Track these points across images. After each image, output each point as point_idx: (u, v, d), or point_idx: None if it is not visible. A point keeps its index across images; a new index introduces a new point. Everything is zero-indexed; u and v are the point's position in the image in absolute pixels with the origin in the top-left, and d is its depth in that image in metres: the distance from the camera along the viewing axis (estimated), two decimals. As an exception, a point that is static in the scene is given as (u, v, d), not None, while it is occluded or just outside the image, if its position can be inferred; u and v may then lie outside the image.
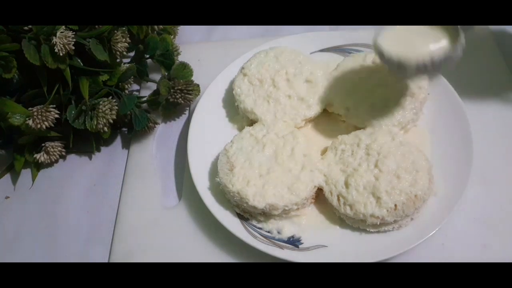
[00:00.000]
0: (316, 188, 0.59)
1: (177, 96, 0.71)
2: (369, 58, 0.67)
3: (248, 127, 0.65)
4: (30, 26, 0.62)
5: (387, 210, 0.53)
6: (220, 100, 0.72)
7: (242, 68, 0.70)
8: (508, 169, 0.63)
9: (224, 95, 0.72)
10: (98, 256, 0.63)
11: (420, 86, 0.63)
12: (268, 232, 0.58)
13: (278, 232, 0.58)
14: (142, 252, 0.62)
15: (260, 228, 0.58)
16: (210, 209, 0.59)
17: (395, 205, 0.53)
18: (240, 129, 0.66)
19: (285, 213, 0.58)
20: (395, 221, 0.55)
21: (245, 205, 0.57)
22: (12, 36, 0.61)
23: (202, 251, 0.60)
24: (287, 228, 0.58)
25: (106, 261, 0.62)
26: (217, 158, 0.62)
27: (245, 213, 0.59)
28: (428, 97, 0.64)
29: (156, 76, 0.78)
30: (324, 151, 0.63)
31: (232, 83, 0.71)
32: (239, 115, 0.69)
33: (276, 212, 0.56)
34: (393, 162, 0.56)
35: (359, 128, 0.63)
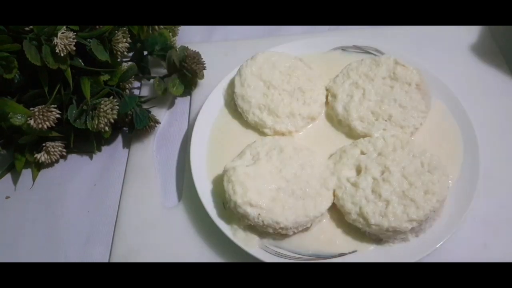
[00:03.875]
0: (331, 204, 0.57)
1: (191, 63, 0.72)
2: (382, 64, 0.67)
3: (250, 146, 0.62)
4: (31, 27, 0.62)
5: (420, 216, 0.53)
6: (224, 102, 0.72)
7: (240, 70, 0.70)
8: (508, 169, 0.63)
9: (227, 97, 0.72)
10: (98, 256, 0.63)
11: (425, 90, 0.64)
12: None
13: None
14: (142, 252, 0.62)
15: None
16: (216, 222, 0.57)
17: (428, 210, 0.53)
18: (245, 132, 0.66)
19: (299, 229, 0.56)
20: (413, 229, 0.54)
21: (271, 229, 0.54)
22: (13, 37, 0.61)
23: (202, 251, 0.60)
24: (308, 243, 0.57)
25: (106, 261, 0.62)
26: (221, 162, 0.61)
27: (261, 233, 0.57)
28: (432, 101, 0.64)
29: (156, 72, 0.78)
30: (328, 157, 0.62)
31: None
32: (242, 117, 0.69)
33: (294, 230, 0.55)
34: (412, 168, 0.56)
35: (353, 130, 0.63)
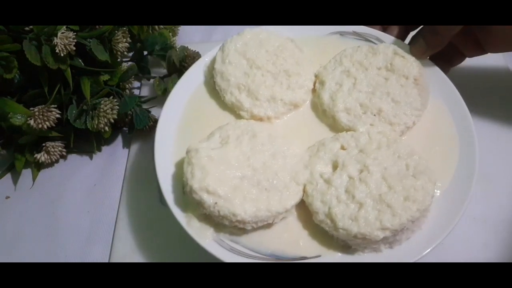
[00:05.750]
0: (299, 200, 0.52)
1: (191, 63, 0.70)
2: (379, 53, 0.61)
3: (220, 130, 0.56)
4: (31, 27, 0.62)
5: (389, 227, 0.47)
6: (204, 79, 0.65)
7: (223, 45, 0.63)
8: (508, 169, 0.63)
9: (208, 74, 0.65)
10: (98, 256, 0.63)
11: (423, 86, 0.58)
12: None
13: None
14: (142, 252, 0.62)
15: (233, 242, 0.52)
16: (176, 217, 0.52)
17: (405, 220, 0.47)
18: (221, 113, 0.61)
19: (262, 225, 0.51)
20: (386, 239, 0.49)
21: (226, 221, 0.50)
22: (13, 37, 0.62)
23: (203, 251, 0.60)
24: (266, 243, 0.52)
25: (106, 261, 0.62)
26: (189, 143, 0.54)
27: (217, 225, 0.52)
28: (431, 100, 0.60)
29: (156, 72, 0.78)
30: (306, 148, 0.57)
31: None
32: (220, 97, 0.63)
33: (254, 225, 0.50)
34: (395, 170, 0.50)
35: (338, 122, 0.58)
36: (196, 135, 0.57)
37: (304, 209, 0.53)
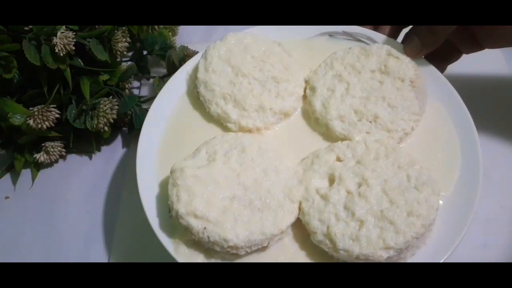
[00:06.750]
0: (295, 219, 0.49)
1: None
2: (372, 54, 0.58)
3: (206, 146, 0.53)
4: (30, 26, 0.62)
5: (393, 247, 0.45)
6: (187, 89, 0.62)
7: (206, 52, 0.60)
8: (508, 169, 0.63)
9: (190, 84, 0.63)
10: (98, 256, 0.63)
11: (420, 89, 0.56)
12: None
13: None
14: (142, 252, 0.62)
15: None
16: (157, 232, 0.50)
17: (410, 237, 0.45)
18: (207, 125, 0.58)
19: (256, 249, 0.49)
20: (390, 259, 0.46)
21: (217, 247, 0.47)
22: (13, 36, 0.62)
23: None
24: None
25: (106, 261, 0.62)
26: (174, 160, 0.51)
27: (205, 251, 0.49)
28: (429, 103, 0.57)
29: (156, 72, 0.79)
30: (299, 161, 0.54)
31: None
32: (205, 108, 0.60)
33: (248, 250, 0.47)
34: (395, 182, 0.48)
35: (331, 131, 0.55)
36: (180, 151, 0.54)
37: (300, 228, 0.49)
